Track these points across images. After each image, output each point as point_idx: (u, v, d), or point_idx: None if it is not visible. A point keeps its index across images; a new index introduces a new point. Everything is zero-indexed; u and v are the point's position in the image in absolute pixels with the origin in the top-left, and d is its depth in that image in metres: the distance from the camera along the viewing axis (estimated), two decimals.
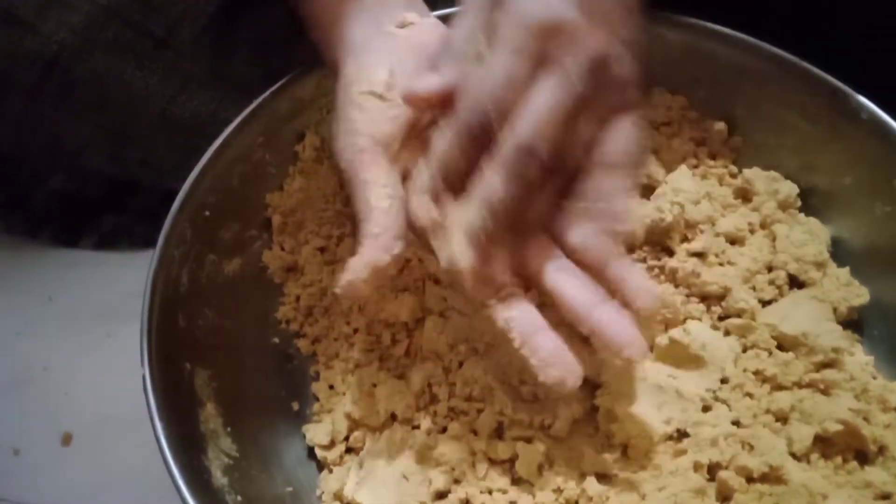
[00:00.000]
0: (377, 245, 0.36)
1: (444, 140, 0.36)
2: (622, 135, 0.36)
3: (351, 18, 0.41)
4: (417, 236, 0.37)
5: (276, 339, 0.47)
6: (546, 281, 0.36)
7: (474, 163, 0.35)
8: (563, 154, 0.35)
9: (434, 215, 0.36)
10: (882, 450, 0.40)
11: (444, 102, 0.36)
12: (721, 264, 0.46)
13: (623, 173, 0.36)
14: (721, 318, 0.45)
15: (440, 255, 0.36)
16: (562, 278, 0.36)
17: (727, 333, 0.44)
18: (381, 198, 0.36)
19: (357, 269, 0.36)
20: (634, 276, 0.35)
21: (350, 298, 0.39)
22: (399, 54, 0.39)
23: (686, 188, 0.47)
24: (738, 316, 0.44)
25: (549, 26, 0.34)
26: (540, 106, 0.34)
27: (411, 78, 0.38)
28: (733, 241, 0.47)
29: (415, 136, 0.39)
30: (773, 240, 0.47)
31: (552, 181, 0.36)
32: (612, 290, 0.35)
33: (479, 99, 0.34)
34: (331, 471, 0.42)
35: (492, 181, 0.34)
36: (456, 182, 0.36)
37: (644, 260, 0.46)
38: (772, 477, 0.39)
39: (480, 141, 0.34)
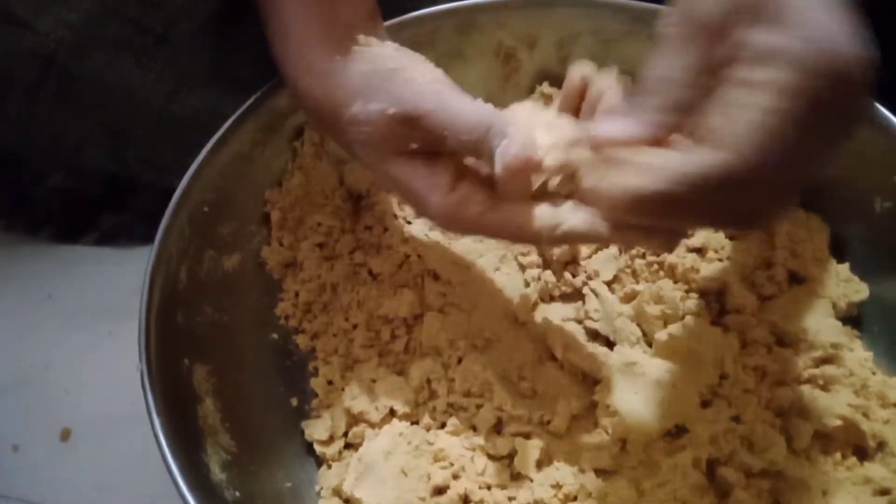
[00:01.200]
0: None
1: None
2: None
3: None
4: None
5: (275, 335, 0.47)
6: None
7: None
8: None
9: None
10: (881, 445, 0.40)
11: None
12: (721, 260, 0.46)
13: None
14: (720, 314, 0.45)
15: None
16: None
17: (726, 329, 0.44)
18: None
19: (559, 133, 0.34)
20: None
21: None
22: None
23: None
24: (738, 312, 0.44)
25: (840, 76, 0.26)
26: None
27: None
28: (733, 236, 0.47)
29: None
30: (773, 236, 0.47)
31: None
32: None
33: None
34: (330, 466, 0.42)
35: None
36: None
37: (643, 255, 0.46)
38: (771, 473, 0.39)
39: None
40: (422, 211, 0.37)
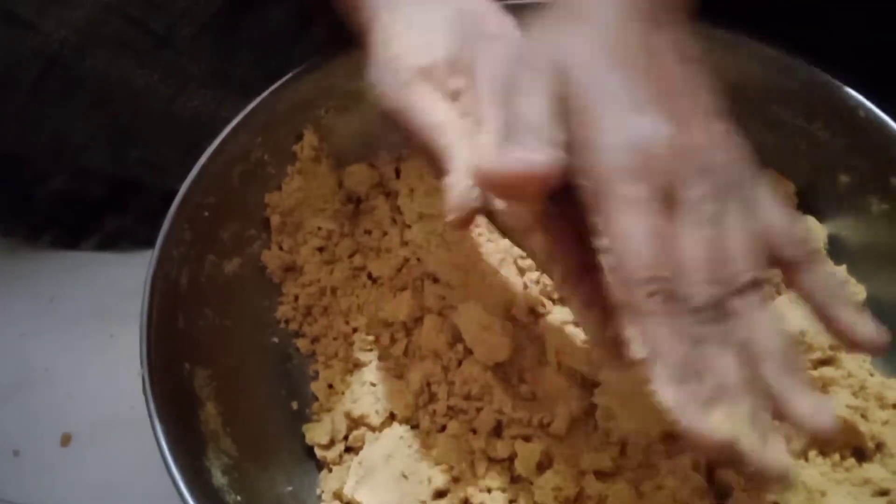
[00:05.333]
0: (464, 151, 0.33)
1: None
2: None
3: None
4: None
5: (276, 339, 0.47)
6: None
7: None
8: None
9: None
10: (880, 446, 0.40)
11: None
12: None
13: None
14: None
15: None
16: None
17: None
18: (445, 114, 0.35)
19: (459, 179, 0.32)
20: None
21: (462, 220, 0.33)
22: (433, 17, 0.37)
23: None
24: None
25: (644, 163, 0.28)
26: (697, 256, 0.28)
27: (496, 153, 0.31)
28: None
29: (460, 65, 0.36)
30: None
31: None
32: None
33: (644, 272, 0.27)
34: (330, 470, 0.42)
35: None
36: None
37: None
38: None
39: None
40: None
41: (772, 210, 0.30)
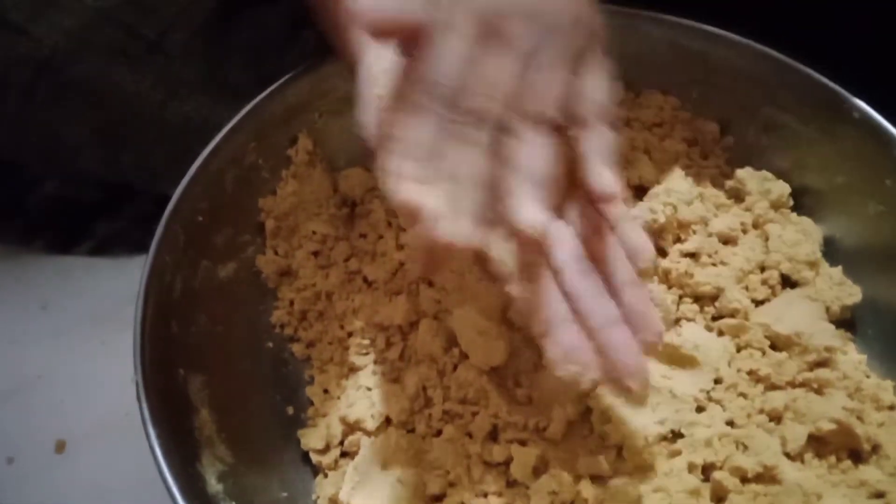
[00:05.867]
0: None
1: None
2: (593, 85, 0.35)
3: None
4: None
5: (271, 344, 0.47)
6: (565, 282, 0.34)
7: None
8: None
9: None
10: (876, 448, 0.40)
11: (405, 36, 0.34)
12: (714, 264, 0.46)
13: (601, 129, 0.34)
14: (714, 319, 0.45)
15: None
16: (582, 285, 0.34)
17: (721, 334, 0.44)
18: None
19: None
20: (635, 234, 0.34)
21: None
22: None
23: (678, 189, 0.47)
24: (732, 316, 0.44)
25: (494, 9, 0.33)
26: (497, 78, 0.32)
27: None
28: (726, 241, 0.47)
29: None
30: (766, 239, 0.47)
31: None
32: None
33: (439, 82, 0.32)
34: (326, 475, 0.42)
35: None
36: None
37: None
38: (766, 477, 0.39)
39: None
40: None
41: (591, 73, 0.34)
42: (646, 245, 0.34)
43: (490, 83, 0.32)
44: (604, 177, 0.33)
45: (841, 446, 0.40)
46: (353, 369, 0.45)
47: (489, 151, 0.32)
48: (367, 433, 0.42)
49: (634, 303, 0.34)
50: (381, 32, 0.35)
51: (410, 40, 0.34)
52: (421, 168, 0.31)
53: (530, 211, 0.31)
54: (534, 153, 0.32)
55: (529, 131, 0.32)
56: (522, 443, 0.41)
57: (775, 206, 0.48)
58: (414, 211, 0.30)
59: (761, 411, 0.41)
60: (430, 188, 0.30)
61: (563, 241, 0.34)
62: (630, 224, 0.34)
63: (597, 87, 0.34)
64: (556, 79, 0.33)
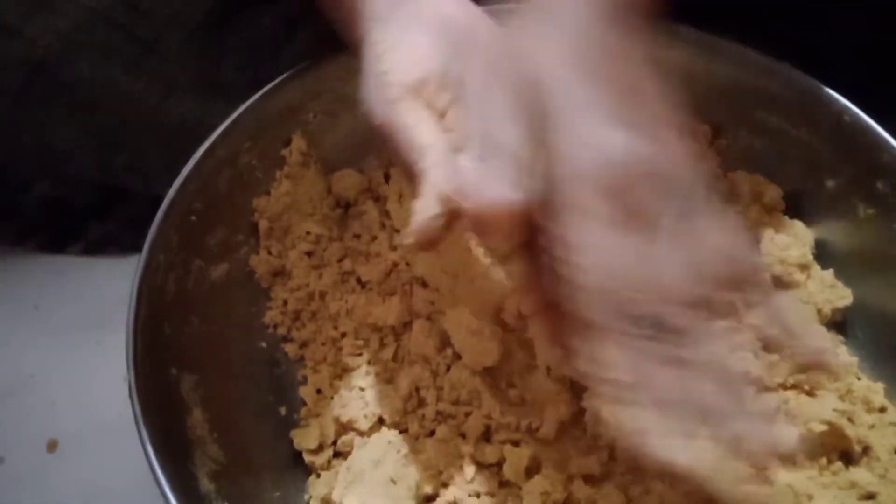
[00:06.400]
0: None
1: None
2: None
3: None
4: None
5: (264, 344, 0.46)
6: None
7: None
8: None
9: None
10: (866, 450, 0.40)
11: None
12: None
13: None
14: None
15: None
16: None
17: None
18: (429, 135, 0.34)
19: (427, 206, 0.32)
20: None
21: (422, 244, 0.32)
22: (425, 32, 0.37)
23: None
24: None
25: (613, 176, 0.28)
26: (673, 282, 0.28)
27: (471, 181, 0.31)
28: None
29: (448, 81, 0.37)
30: (758, 242, 0.47)
31: None
32: None
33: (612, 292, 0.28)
34: (319, 475, 0.42)
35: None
36: None
37: None
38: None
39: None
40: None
41: (717, 229, 0.30)
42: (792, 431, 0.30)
43: (656, 278, 0.28)
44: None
45: (832, 448, 0.40)
46: (347, 370, 0.45)
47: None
48: (361, 433, 0.42)
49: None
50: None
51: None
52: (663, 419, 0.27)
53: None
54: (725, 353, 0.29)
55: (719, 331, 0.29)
56: (515, 443, 0.41)
57: (767, 209, 0.48)
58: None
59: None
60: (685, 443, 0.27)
61: None
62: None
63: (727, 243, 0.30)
64: (716, 243, 0.29)
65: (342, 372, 0.45)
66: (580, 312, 0.28)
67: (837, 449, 0.40)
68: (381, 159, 0.51)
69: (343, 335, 0.46)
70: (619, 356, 0.27)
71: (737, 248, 0.30)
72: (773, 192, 0.48)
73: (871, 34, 0.51)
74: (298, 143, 0.48)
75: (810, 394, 0.41)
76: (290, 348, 0.46)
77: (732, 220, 0.31)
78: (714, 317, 0.29)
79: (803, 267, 0.46)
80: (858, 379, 0.42)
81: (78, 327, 0.53)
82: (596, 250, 0.28)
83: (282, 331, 0.47)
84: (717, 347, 0.29)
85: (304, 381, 0.45)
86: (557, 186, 0.29)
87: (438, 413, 0.42)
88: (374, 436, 0.42)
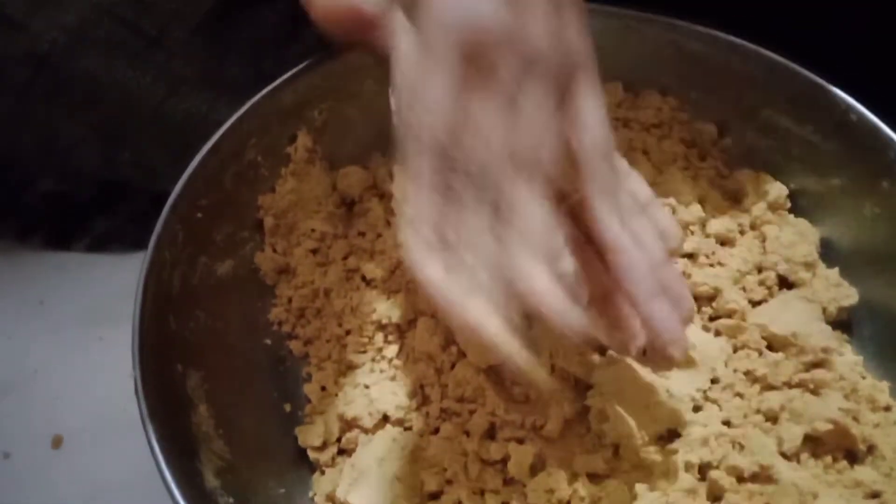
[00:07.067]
0: None
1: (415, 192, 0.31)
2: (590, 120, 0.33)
3: None
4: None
5: (269, 341, 0.46)
6: (610, 242, 0.33)
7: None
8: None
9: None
10: (871, 449, 0.40)
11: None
12: (712, 265, 0.46)
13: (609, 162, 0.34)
14: (712, 319, 0.45)
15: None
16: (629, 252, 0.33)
17: (718, 334, 0.44)
18: None
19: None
20: (664, 217, 0.36)
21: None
22: None
23: (676, 190, 0.47)
24: (729, 316, 0.44)
25: (473, 36, 0.30)
26: (491, 132, 0.31)
27: None
28: (724, 242, 0.47)
29: None
30: (764, 241, 0.47)
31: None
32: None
33: (431, 136, 0.30)
34: (323, 472, 0.42)
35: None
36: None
37: None
38: (762, 476, 0.39)
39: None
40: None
41: (586, 108, 0.33)
42: (674, 227, 0.36)
43: (484, 135, 0.30)
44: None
45: (837, 447, 0.40)
46: (351, 367, 0.45)
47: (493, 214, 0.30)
48: (365, 431, 0.42)
49: (668, 280, 0.35)
50: (332, 20, 0.35)
51: (367, 33, 0.34)
52: (437, 245, 0.29)
53: (537, 281, 0.30)
54: (533, 217, 0.30)
55: (524, 191, 0.30)
56: (519, 441, 0.41)
57: (773, 207, 0.48)
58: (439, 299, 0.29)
59: (758, 411, 0.41)
60: (452, 275, 0.29)
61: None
62: (659, 207, 0.35)
63: (590, 124, 0.33)
64: (546, 121, 0.31)
65: (347, 369, 0.45)
66: (410, 155, 0.30)
67: (842, 447, 0.40)
68: (386, 156, 0.51)
69: (348, 332, 0.46)
70: (425, 197, 0.30)
71: (597, 121, 0.33)
72: (778, 191, 0.48)
73: (871, 34, 0.51)
74: (304, 139, 0.48)
75: (815, 392, 0.41)
76: (294, 345, 0.46)
77: (597, 115, 0.33)
78: (533, 196, 0.31)
79: (809, 265, 0.46)
80: (863, 378, 0.42)
81: (82, 323, 0.53)
82: (431, 92, 0.30)
83: (286, 328, 0.47)
84: (526, 217, 0.31)
85: (309, 378, 0.45)
86: (421, 30, 0.31)
87: (443, 410, 0.42)
88: (379, 433, 0.42)
